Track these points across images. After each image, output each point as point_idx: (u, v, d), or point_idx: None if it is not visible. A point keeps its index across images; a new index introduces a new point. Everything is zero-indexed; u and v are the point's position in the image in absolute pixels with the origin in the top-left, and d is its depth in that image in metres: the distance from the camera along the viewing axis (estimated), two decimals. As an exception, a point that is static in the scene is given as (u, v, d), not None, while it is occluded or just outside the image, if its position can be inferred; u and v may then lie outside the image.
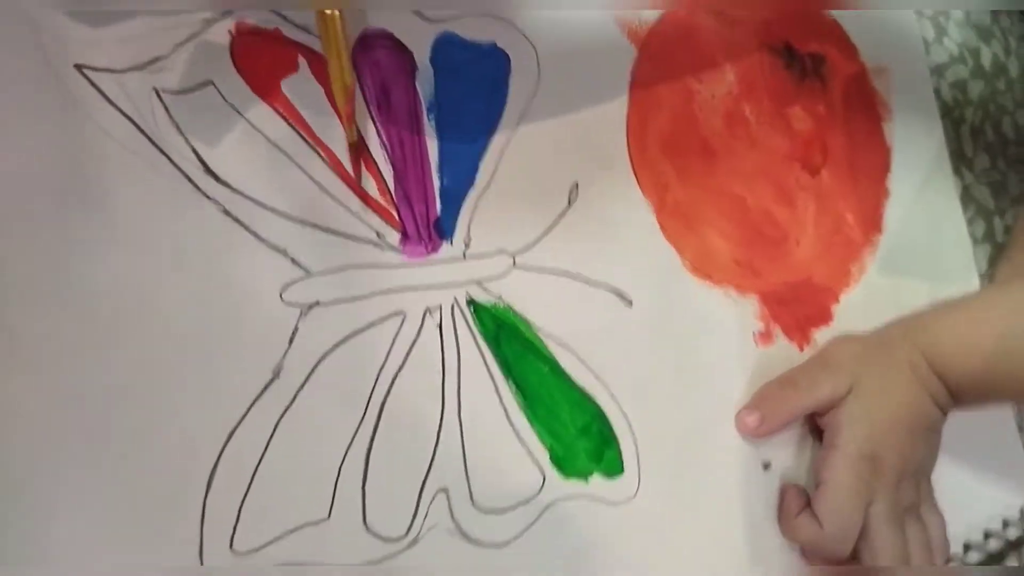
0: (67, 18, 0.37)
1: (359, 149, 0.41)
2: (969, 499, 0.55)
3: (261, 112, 0.40)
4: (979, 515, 0.56)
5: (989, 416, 0.56)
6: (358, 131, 0.41)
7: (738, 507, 0.48)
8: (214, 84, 0.39)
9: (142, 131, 0.37)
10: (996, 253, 0.64)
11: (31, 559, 0.33)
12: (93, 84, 0.37)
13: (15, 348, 0.34)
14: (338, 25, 0.37)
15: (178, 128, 0.38)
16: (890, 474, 0.48)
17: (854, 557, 0.48)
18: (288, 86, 0.41)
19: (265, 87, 0.40)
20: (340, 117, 0.41)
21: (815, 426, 0.51)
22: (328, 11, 0.36)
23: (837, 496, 0.47)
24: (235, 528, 0.36)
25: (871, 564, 0.47)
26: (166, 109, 0.38)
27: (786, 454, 0.50)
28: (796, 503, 0.48)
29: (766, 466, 0.50)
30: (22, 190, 0.35)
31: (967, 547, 0.55)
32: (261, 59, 0.40)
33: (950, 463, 0.53)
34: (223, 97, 0.39)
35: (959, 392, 0.50)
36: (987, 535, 0.55)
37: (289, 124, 0.40)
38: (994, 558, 0.54)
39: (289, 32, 0.41)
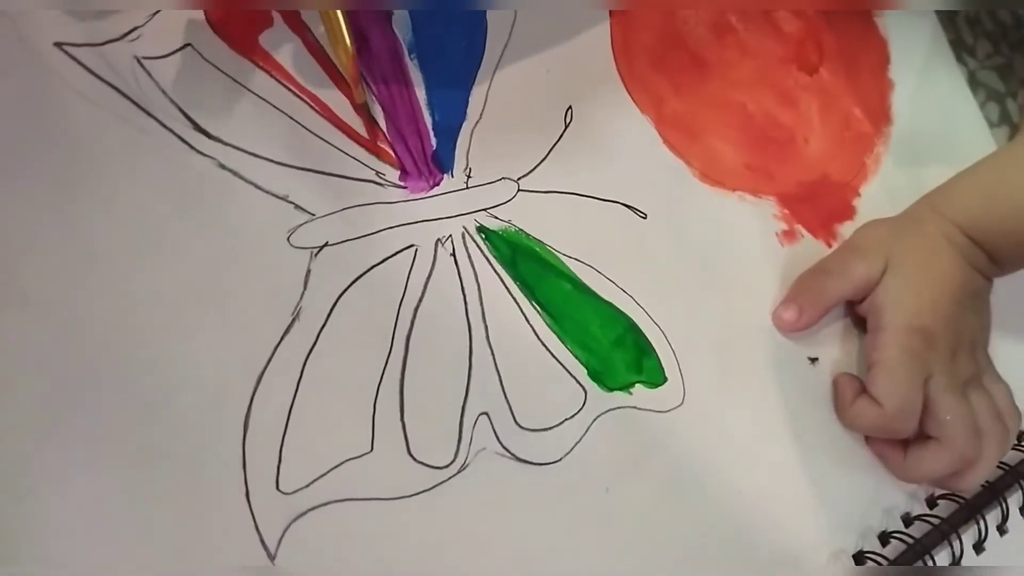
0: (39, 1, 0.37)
1: (369, 111, 0.41)
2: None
3: (243, 67, 0.40)
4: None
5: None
6: (365, 91, 0.41)
7: (790, 402, 0.46)
8: (192, 46, 0.39)
9: (129, 98, 0.38)
10: (1014, 131, 0.62)
11: (54, 521, 0.33)
12: (75, 59, 0.37)
13: (29, 311, 0.34)
14: None
15: (163, 91, 0.38)
16: (943, 346, 0.46)
17: (921, 437, 0.45)
18: (266, 40, 0.41)
19: (243, 43, 0.40)
20: (343, 80, 0.41)
21: (857, 316, 0.49)
22: None
23: (893, 372, 0.45)
24: (279, 469, 0.36)
25: (940, 438, 0.45)
26: (149, 74, 0.38)
27: (832, 347, 0.49)
28: (851, 390, 0.46)
29: (813, 361, 0.48)
30: (20, 170, 0.35)
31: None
32: (236, 16, 0.40)
33: (1004, 334, 0.51)
34: (203, 57, 0.39)
35: (996, 254, 0.48)
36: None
37: (272, 76, 0.40)
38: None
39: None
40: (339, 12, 0.37)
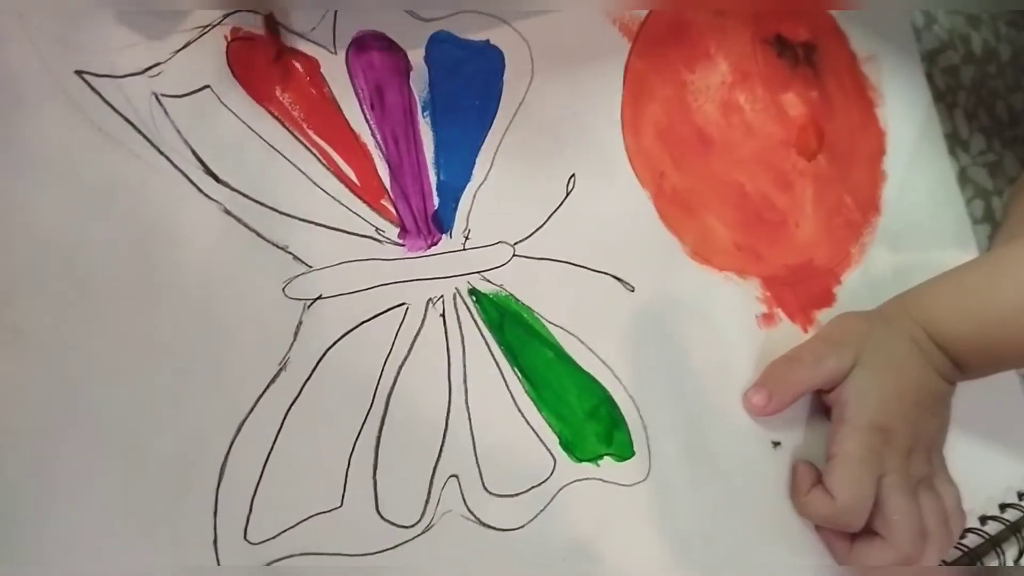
0: (67, 26, 0.36)
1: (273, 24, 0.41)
2: (982, 471, 0.53)
3: (257, 114, 0.39)
4: (994, 488, 0.54)
5: (996, 387, 0.54)
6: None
7: (750, 485, 0.47)
8: (211, 88, 0.39)
9: (142, 134, 0.37)
10: (995, 231, 0.63)
11: (36, 556, 0.32)
12: (94, 89, 0.37)
13: (22, 345, 0.34)
14: None
15: (177, 131, 0.38)
16: (900, 446, 0.47)
17: (868, 531, 0.46)
18: (283, 89, 0.40)
19: (260, 91, 0.40)
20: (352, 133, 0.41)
21: (823, 404, 0.50)
22: None
23: (848, 468, 0.45)
24: (248, 519, 0.36)
25: (886, 536, 0.45)
26: (165, 112, 0.38)
27: (795, 432, 0.49)
28: (807, 478, 0.47)
29: (776, 444, 0.48)
30: (25, 193, 0.35)
31: (983, 519, 0.53)
32: (256, 63, 0.40)
33: (960, 436, 0.51)
34: (220, 100, 0.39)
35: (961, 362, 0.49)
36: (1003, 507, 0.53)
37: (284, 126, 0.40)
38: (1012, 529, 0.52)
39: (286, 38, 0.41)
40: None
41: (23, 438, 0.33)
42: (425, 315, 0.41)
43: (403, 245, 0.41)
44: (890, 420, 0.47)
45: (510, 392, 0.42)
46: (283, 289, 0.38)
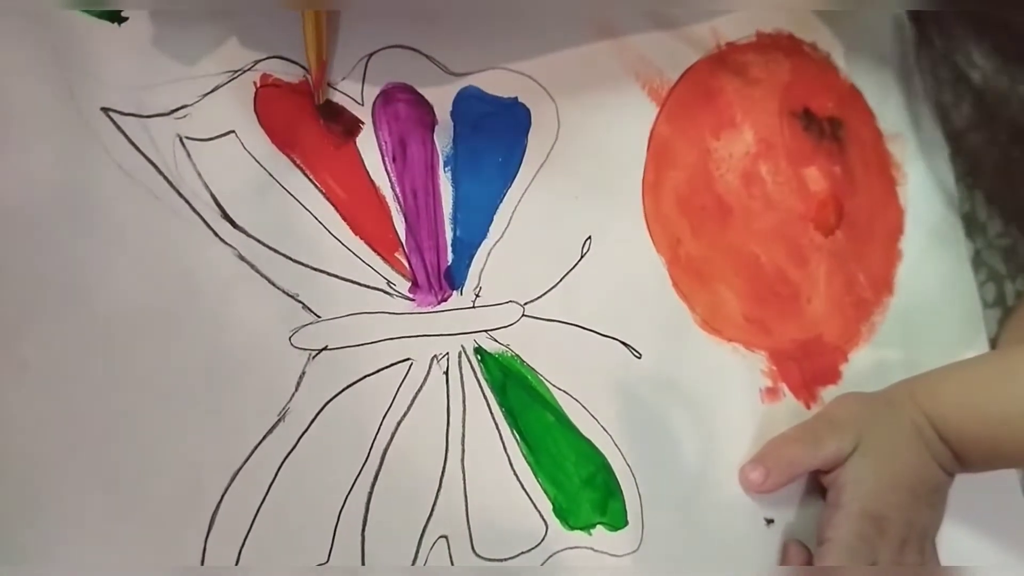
0: (97, 63, 0.36)
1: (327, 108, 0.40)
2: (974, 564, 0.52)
3: (279, 163, 0.39)
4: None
5: (995, 481, 0.52)
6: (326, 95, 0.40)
7: (740, 563, 0.45)
8: (236, 134, 0.38)
9: (163, 175, 0.36)
10: (1005, 317, 0.61)
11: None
12: (119, 127, 0.36)
13: (28, 378, 0.33)
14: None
15: (199, 174, 0.37)
16: (894, 535, 0.45)
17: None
18: (307, 139, 0.39)
19: (284, 139, 0.39)
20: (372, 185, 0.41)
21: (819, 484, 0.48)
22: None
23: (839, 555, 0.44)
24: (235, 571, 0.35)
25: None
26: (188, 155, 0.37)
27: (789, 511, 0.48)
28: (798, 559, 0.46)
29: (769, 522, 0.47)
30: (43, 225, 0.34)
31: (972, 612, 0.51)
32: (282, 112, 0.39)
33: (955, 527, 0.50)
34: (243, 146, 0.38)
35: (963, 455, 0.48)
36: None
37: (305, 174, 0.39)
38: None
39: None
40: (317, 15, 0.37)
41: (19, 471, 0.32)
42: (428, 372, 0.40)
43: (413, 300, 0.40)
44: (885, 509, 0.45)
45: (507, 455, 0.41)
46: (290, 338, 0.37)
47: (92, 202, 0.35)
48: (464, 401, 0.40)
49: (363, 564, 0.37)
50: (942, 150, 0.61)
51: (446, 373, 0.40)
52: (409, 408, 0.39)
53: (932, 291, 0.57)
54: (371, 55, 0.41)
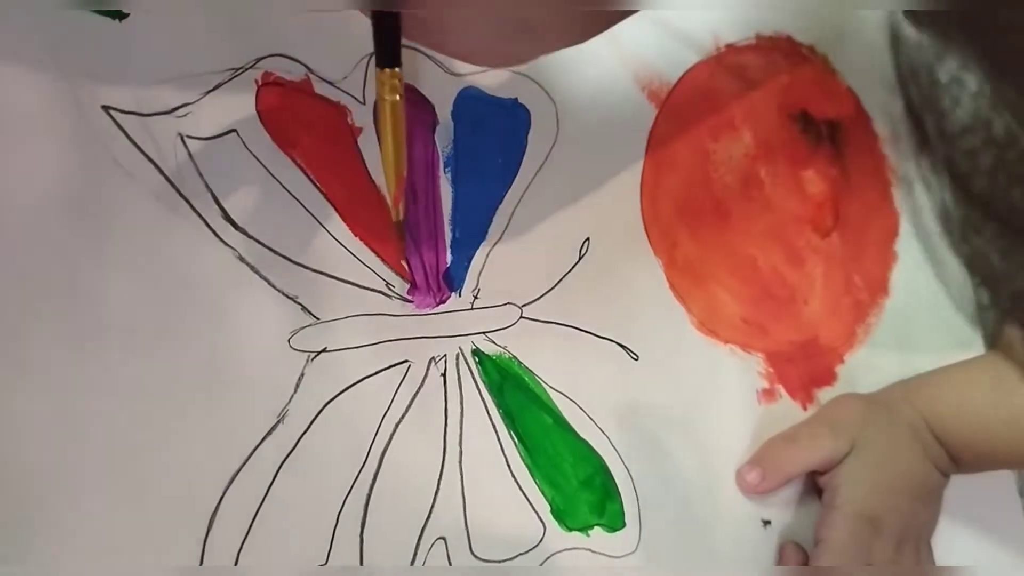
0: (97, 60, 0.35)
1: (402, 229, 0.40)
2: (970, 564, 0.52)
3: (280, 162, 0.38)
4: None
5: (990, 481, 0.52)
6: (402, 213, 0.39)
7: (738, 564, 0.45)
8: (237, 133, 0.37)
9: (164, 174, 0.36)
10: (1001, 319, 0.61)
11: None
12: (119, 125, 0.35)
13: (26, 380, 0.32)
14: (400, 112, 0.35)
15: (200, 173, 0.36)
16: (889, 537, 0.45)
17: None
18: (309, 139, 0.39)
19: (286, 138, 0.38)
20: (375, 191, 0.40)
21: (816, 485, 0.48)
22: (388, 98, 0.34)
23: (834, 556, 0.44)
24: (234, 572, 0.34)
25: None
26: (189, 154, 0.36)
27: (786, 512, 0.48)
28: (794, 560, 0.46)
29: (766, 523, 0.47)
30: (43, 225, 0.34)
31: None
32: (284, 111, 0.38)
33: (950, 528, 0.50)
34: (245, 145, 0.37)
35: (959, 456, 0.48)
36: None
37: (306, 175, 0.39)
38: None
39: (316, 86, 0.40)
40: (401, 137, 0.35)
41: (18, 471, 0.32)
42: (427, 373, 0.40)
43: (411, 301, 0.40)
44: (880, 511, 0.45)
45: (505, 456, 0.41)
46: (289, 340, 0.37)
47: (92, 201, 0.34)
48: (462, 403, 0.40)
49: (361, 565, 0.37)
50: (938, 152, 0.61)
51: (444, 375, 0.40)
52: (407, 410, 0.39)
53: (927, 293, 0.57)
54: (371, 55, 0.41)
